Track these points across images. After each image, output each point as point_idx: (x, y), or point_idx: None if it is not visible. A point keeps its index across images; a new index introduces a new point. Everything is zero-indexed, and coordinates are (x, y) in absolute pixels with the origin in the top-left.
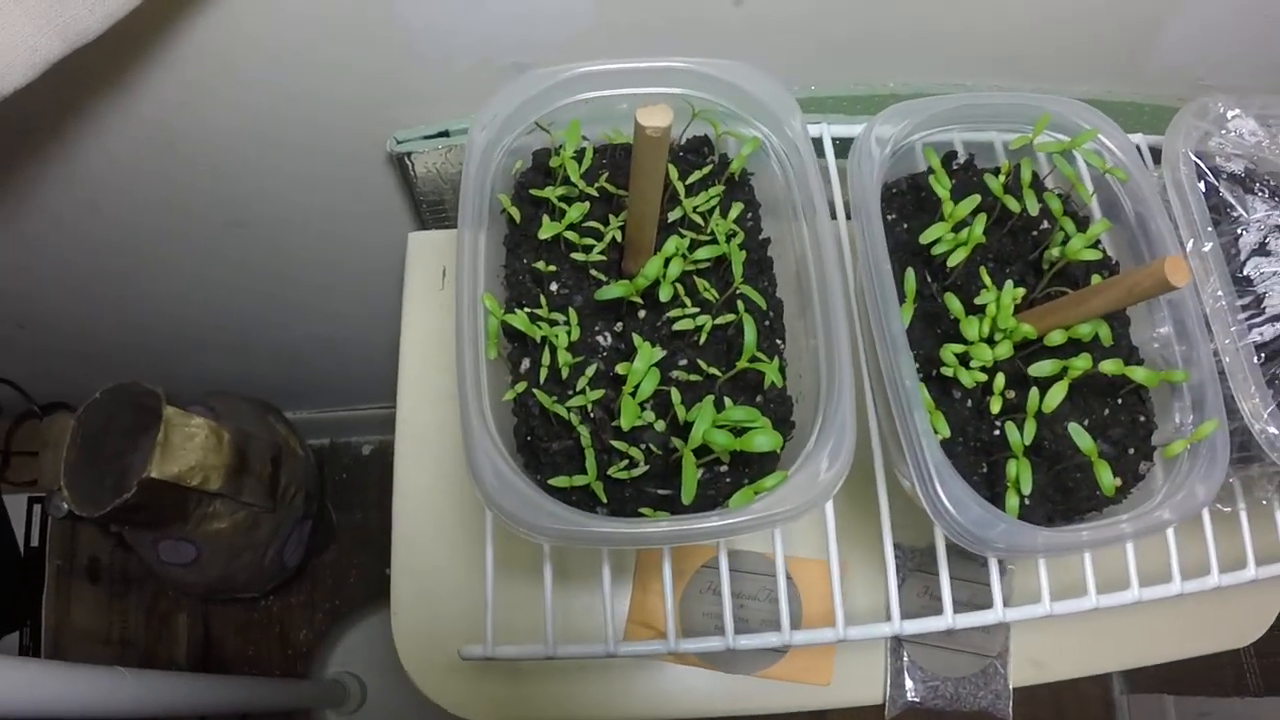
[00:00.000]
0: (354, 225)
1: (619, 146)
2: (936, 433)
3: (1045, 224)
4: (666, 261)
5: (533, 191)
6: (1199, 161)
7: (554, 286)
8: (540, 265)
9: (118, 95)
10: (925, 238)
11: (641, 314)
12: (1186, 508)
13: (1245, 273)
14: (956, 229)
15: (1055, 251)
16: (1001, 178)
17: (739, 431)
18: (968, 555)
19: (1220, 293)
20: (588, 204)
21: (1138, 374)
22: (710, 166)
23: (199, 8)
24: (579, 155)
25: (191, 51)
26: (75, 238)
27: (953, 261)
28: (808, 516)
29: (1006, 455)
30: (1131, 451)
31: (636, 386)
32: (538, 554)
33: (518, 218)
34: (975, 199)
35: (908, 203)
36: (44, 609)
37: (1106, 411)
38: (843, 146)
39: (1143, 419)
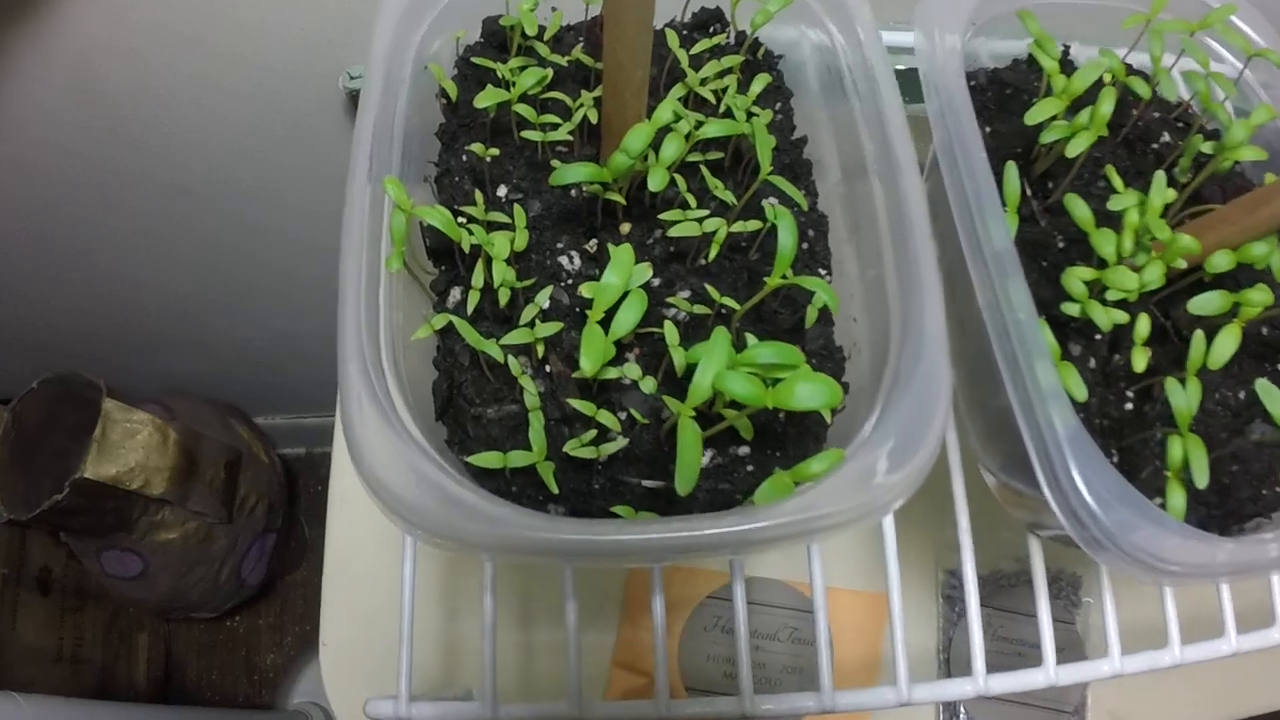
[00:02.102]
0: (314, 190)
1: (600, 19)
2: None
3: (1166, 135)
4: (660, 136)
5: (476, 61)
6: None
7: (501, 190)
8: (478, 148)
9: (24, 26)
10: (1032, 117)
11: (625, 227)
12: None
13: None
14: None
15: (1206, 148)
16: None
17: (769, 383)
18: (1026, 582)
19: None
20: (549, 71)
21: None
22: (722, 38)
23: None
24: (540, 25)
25: None
26: (6, 211)
27: (1072, 151)
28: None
29: (1150, 434)
30: None
31: (609, 313)
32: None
33: (454, 96)
34: (1099, 64)
35: (988, 102)
36: None
37: (1264, 380)
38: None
39: None
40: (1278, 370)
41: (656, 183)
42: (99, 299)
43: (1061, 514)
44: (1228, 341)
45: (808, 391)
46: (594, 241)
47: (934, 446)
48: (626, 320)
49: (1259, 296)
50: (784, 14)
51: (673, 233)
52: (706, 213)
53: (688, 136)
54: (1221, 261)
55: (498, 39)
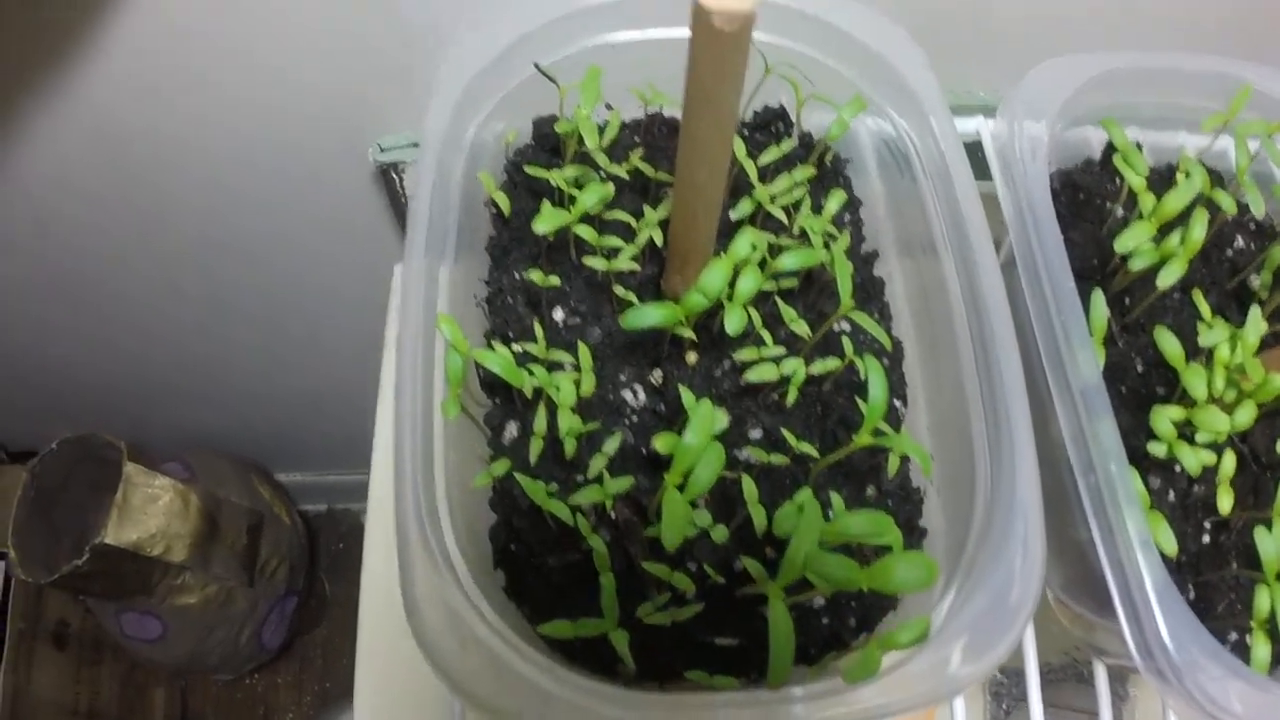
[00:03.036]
0: (337, 256)
1: (658, 117)
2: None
3: (1239, 240)
4: (736, 270)
5: (529, 170)
6: None
7: (559, 313)
8: (536, 276)
9: (54, 95)
10: (1123, 244)
11: (692, 357)
12: None
13: None
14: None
15: None
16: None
17: (860, 553)
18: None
19: None
20: (610, 187)
21: None
22: (790, 145)
23: None
24: (599, 126)
25: (130, 22)
26: (23, 258)
27: (1164, 282)
28: None
29: (1229, 573)
30: None
31: (687, 474)
32: None
33: (507, 210)
34: (1194, 186)
35: (1061, 207)
36: (2, 674)
37: None
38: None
39: None
40: None
41: (734, 325)
42: (120, 351)
43: (1137, 652)
44: None
45: (905, 575)
46: (658, 372)
47: (1012, 645)
48: (703, 479)
49: None
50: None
51: (749, 376)
52: (783, 351)
53: (762, 264)
54: None
55: (549, 142)
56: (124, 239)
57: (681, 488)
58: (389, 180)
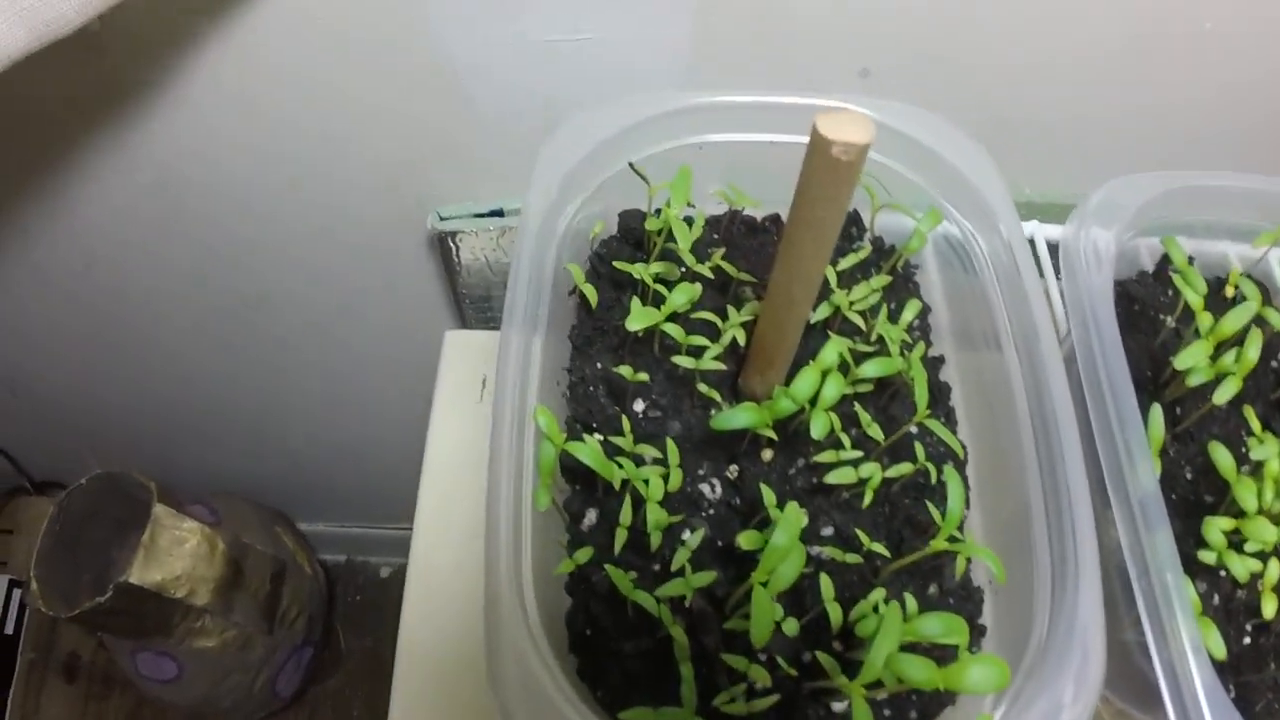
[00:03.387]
0: (382, 318)
1: (738, 215)
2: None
3: None
4: (823, 378)
5: (617, 265)
6: None
7: (639, 404)
8: (625, 371)
9: (118, 145)
10: (1182, 362)
11: (768, 455)
12: None
13: None
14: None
15: None
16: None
17: (928, 651)
18: None
19: None
20: (698, 287)
21: None
22: (866, 252)
23: (210, 32)
24: (685, 222)
25: (199, 85)
26: (66, 300)
27: (1220, 398)
28: None
29: (1268, 674)
30: None
31: (772, 571)
32: None
33: (593, 301)
34: (1249, 309)
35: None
36: (9, 703)
37: None
38: None
39: None
40: None
41: (819, 430)
42: (152, 394)
43: None
44: None
45: (979, 676)
46: (735, 467)
47: (1092, 701)
48: (787, 576)
49: None
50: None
51: (830, 478)
52: (860, 455)
53: (844, 370)
54: None
55: (634, 235)
56: (167, 289)
57: (766, 585)
58: (445, 248)
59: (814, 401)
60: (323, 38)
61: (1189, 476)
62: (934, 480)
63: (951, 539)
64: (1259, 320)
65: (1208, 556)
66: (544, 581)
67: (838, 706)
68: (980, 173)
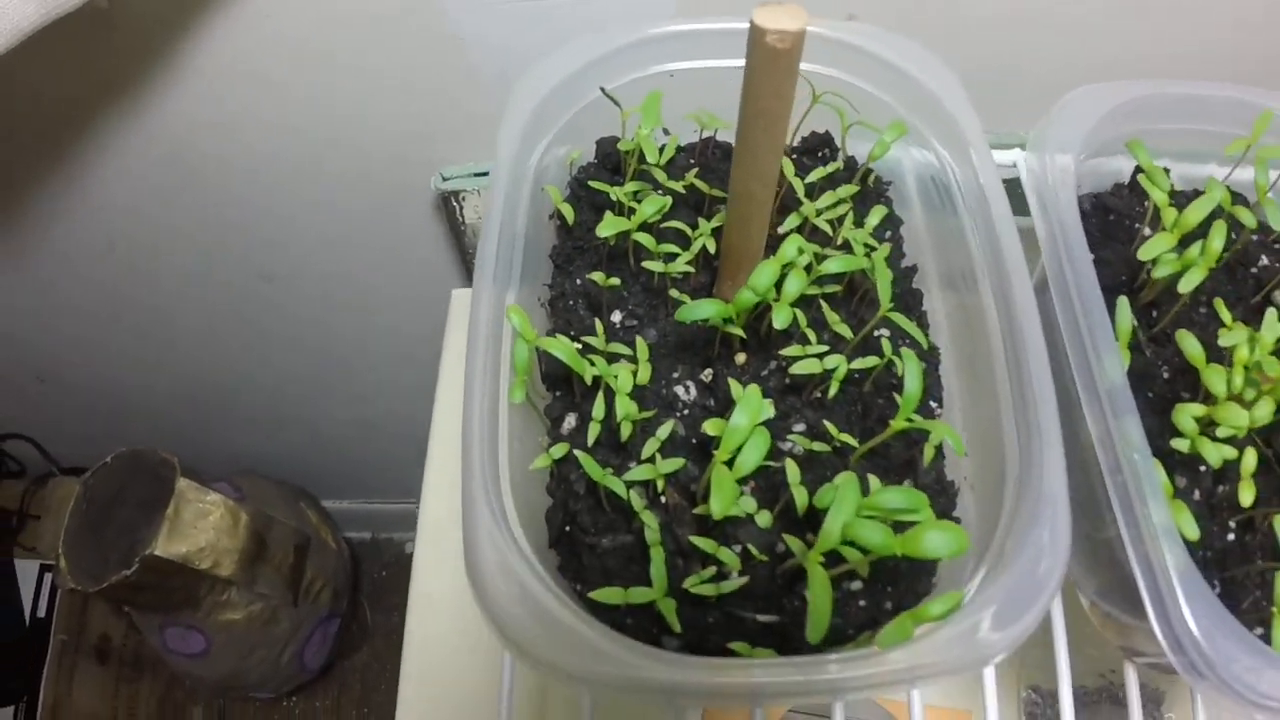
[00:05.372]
0: (396, 283)
1: (712, 140)
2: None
3: (1264, 259)
4: (783, 272)
5: (592, 184)
6: None
7: (617, 315)
8: (598, 277)
9: (132, 120)
10: (1146, 253)
11: (741, 357)
12: None
13: None
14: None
15: None
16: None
17: (896, 528)
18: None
19: None
20: (668, 199)
21: None
22: (835, 167)
23: (220, 3)
24: (659, 147)
25: (210, 57)
26: (89, 283)
27: (1185, 288)
28: None
29: (1252, 566)
30: None
31: (735, 453)
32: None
33: (571, 219)
34: (1212, 198)
35: (1092, 227)
36: (43, 685)
37: None
38: None
39: None
40: None
41: (781, 320)
42: (175, 375)
43: (1167, 645)
44: None
45: (937, 541)
46: (709, 371)
47: (1040, 614)
48: (750, 460)
49: None
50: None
51: (795, 370)
52: (826, 349)
53: (808, 269)
54: None
55: (611, 161)
56: (187, 266)
57: (730, 466)
58: (450, 209)
59: (782, 296)
60: (332, 8)
61: (1166, 375)
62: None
63: (911, 420)
64: (1234, 223)
65: (1181, 444)
66: (527, 484)
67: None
68: (954, 102)
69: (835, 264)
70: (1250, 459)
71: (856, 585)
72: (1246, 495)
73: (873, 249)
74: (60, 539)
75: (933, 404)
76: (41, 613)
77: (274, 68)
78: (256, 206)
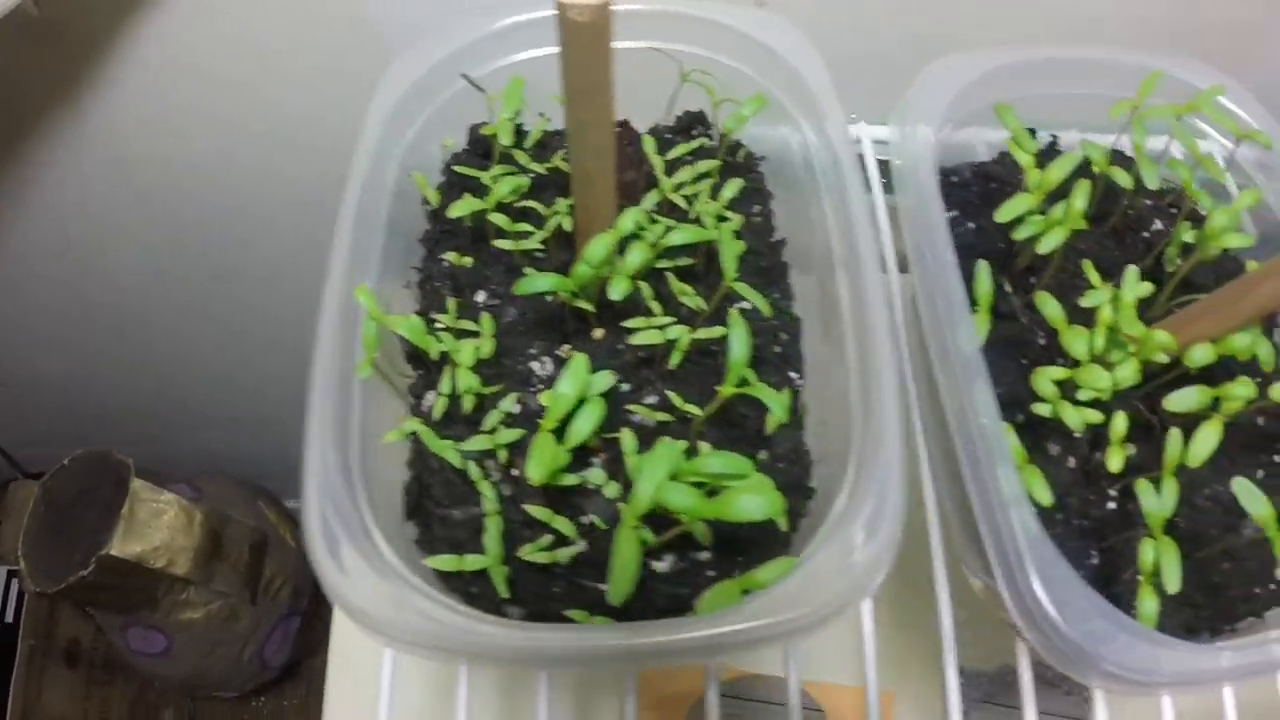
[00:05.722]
0: None
1: None
2: (1034, 499)
3: (1158, 223)
4: (624, 243)
5: (458, 169)
6: None
7: (480, 295)
8: (452, 257)
9: (72, 123)
10: (1003, 215)
11: (598, 333)
12: None
13: None
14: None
15: (1187, 237)
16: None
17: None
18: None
19: None
20: (527, 180)
21: None
22: (701, 141)
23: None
24: (523, 132)
25: (150, 54)
26: (49, 283)
27: (1044, 248)
28: (838, 626)
29: (1129, 536)
30: None
31: (562, 422)
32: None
33: (436, 203)
34: (1074, 156)
35: (972, 196)
36: (12, 690)
37: (1260, 473)
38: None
39: None
40: (1274, 462)
41: (617, 291)
42: (135, 376)
43: (1020, 618)
44: (1208, 437)
45: (749, 503)
46: (567, 347)
47: (892, 537)
48: (583, 428)
49: (1241, 390)
50: (767, 115)
51: (634, 340)
52: (671, 320)
53: (656, 245)
54: (1201, 355)
55: (482, 146)
56: (143, 266)
57: (563, 437)
58: None
59: (621, 268)
60: (269, 6)
61: (1041, 341)
62: (774, 350)
63: (743, 384)
64: (1117, 190)
65: (1042, 409)
66: (393, 460)
67: (659, 566)
68: (814, 75)
69: (679, 235)
70: (1120, 423)
71: (705, 556)
72: (1115, 460)
73: (727, 219)
74: (19, 539)
75: (792, 374)
76: (10, 617)
77: (216, 66)
78: (209, 204)
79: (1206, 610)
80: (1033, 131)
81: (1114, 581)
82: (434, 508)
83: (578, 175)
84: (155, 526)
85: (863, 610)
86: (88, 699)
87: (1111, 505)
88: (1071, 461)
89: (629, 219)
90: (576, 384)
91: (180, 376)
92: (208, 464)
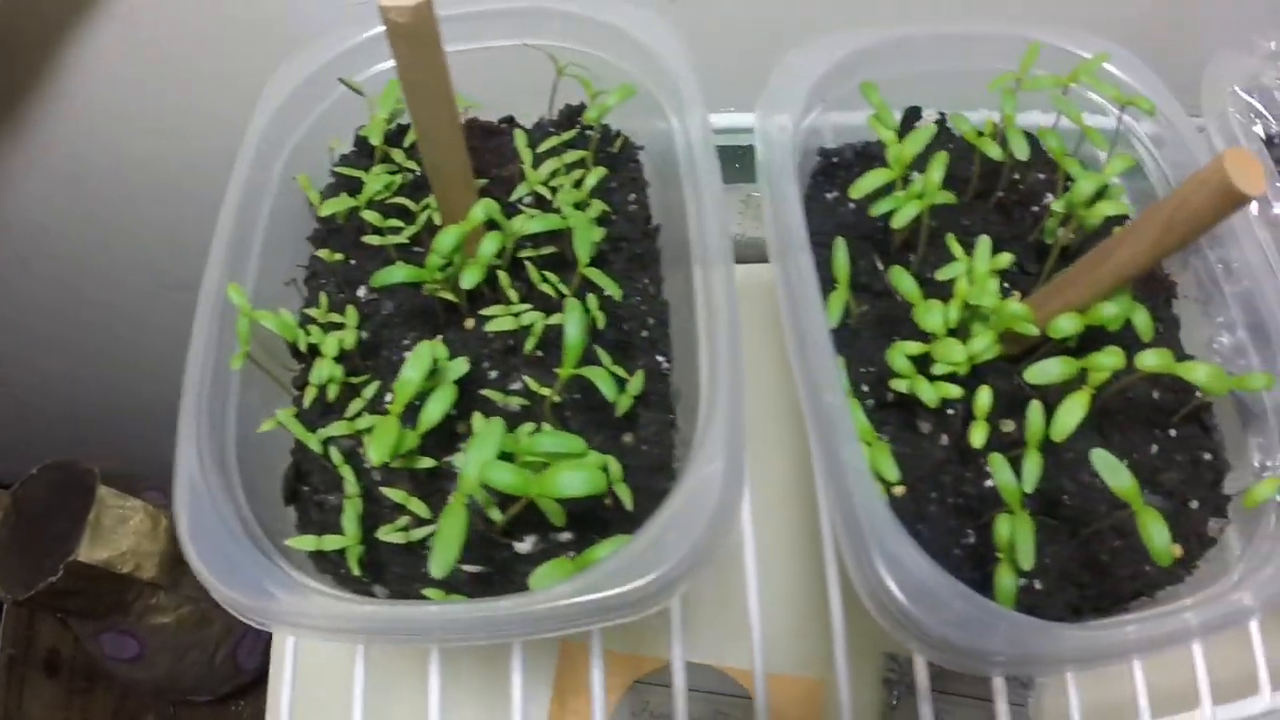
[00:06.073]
0: None
1: (474, 122)
2: (881, 478)
3: (1049, 197)
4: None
5: (339, 170)
6: (1254, 102)
7: (361, 291)
8: (324, 254)
9: (21, 139)
10: (856, 191)
11: (469, 323)
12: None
13: None
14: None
15: (1058, 206)
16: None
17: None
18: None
19: None
20: (399, 178)
21: (1195, 373)
22: (574, 132)
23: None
24: (403, 131)
25: (84, 70)
26: (12, 300)
27: (898, 223)
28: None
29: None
30: (1194, 504)
31: (411, 407)
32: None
33: (317, 203)
34: (930, 129)
35: (854, 177)
36: None
37: (1154, 448)
38: None
39: (1208, 456)
40: (1170, 435)
41: (468, 280)
42: (104, 384)
43: (871, 604)
44: (1073, 410)
45: (570, 480)
46: (440, 337)
47: (726, 511)
48: (433, 413)
49: (1107, 360)
50: (646, 106)
51: (489, 327)
52: (527, 307)
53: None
54: (1067, 325)
55: (369, 148)
56: (103, 277)
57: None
58: None
59: (477, 258)
60: (196, 20)
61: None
62: (642, 335)
63: (584, 365)
64: (1005, 165)
65: (900, 385)
66: (277, 450)
67: (521, 546)
68: (678, 68)
69: (536, 224)
70: (985, 398)
71: (566, 536)
72: (978, 436)
73: (587, 205)
74: None
75: (659, 358)
76: None
77: (148, 78)
78: (156, 218)
79: (1093, 589)
80: (917, 111)
81: (988, 560)
82: (310, 494)
83: (430, 171)
84: (121, 532)
85: (751, 601)
86: (68, 708)
87: (990, 483)
88: (944, 439)
89: (479, 210)
90: (420, 370)
91: (147, 384)
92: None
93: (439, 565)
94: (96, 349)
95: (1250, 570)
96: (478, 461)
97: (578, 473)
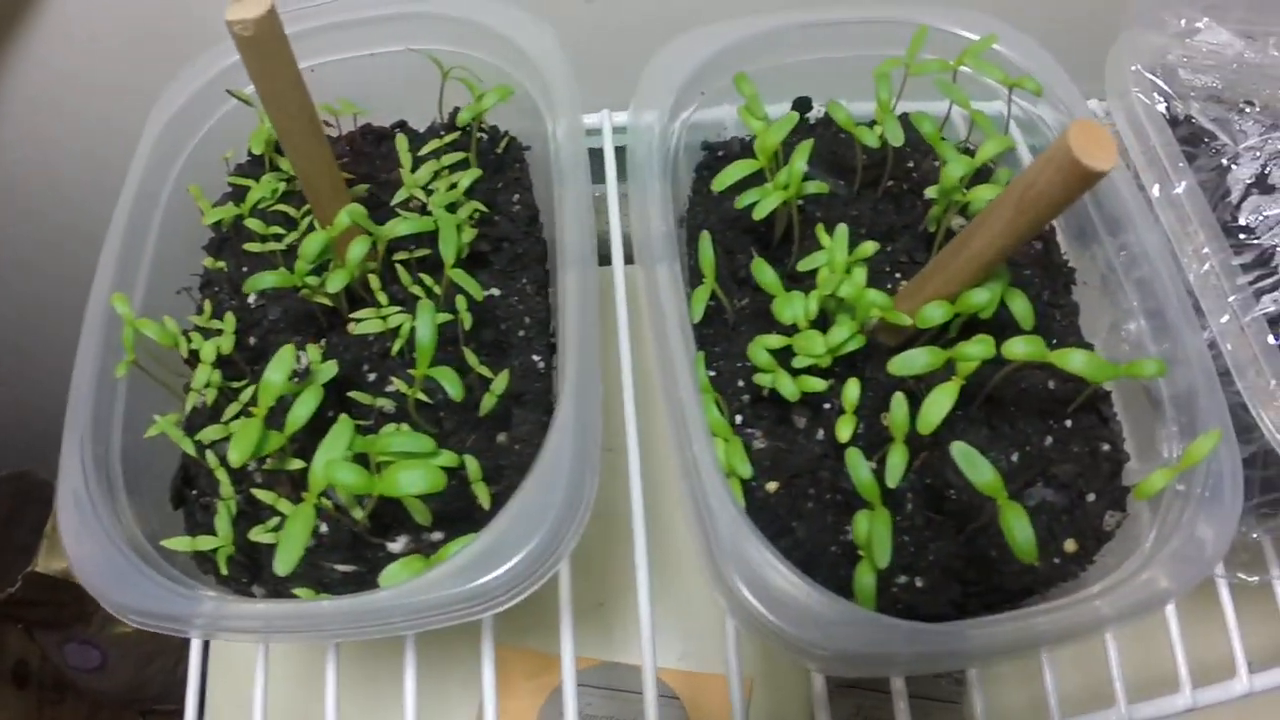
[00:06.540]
0: None
1: (367, 127)
2: (734, 474)
3: None
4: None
5: (230, 179)
6: (1158, 81)
7: (253, 298)
8: (208, 262)
9: None
10: (719, 183)
11: (352, 327)
12: (1182, 574)
13: (1241, 219)
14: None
15: (931, 193)
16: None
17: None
18: None
19: (1208, 250)
20: (284, 185)
21: (1070, 360)
22: (458, 135)
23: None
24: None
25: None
26: None
27: (759, 214)
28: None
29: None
30: (1091, 498)
31: (271, 407)
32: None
33: (206, 210)
34: (792, 118)
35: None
36: None
37: (1049, 439)
38: None
39: (1106, 447)
40: (1065, 426)
41: (333, 284)
42: (57, 395)
43: (727, 604)
44: (940, 402)
45: (408, 479)
46: (324, 340)
47: (580, 500)
48: (300, 415)
49: (975, 350)
50: (529, 108)
51: (355, 330)
52: (395, 310)
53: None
54: (935, 314)
55: (261, 157)
56: (51, 294)
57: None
58: None
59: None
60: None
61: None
62: (519, 335)
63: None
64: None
65: (763, 379)
66: (166, 457)
67: (394, 546)
68: (551, 69)
69: (404, 226)
70: (852, 390)
71: (438, 536)
72: (844, 430)
73: (460, 204)
74: None
75: (536, 358)
76: None
77: (62, 96)
78: (79, 229)
79: (978, 586)
80: (808, 101)
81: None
82: (197, 497)
83: (300, 177)
84: None
85: (642, 592)
86: (39, 719)
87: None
88: (820, 434)
89: (344, 216)
90: (282, 372)
91: None
92: None
93: (283, 562)
94: (47, 358)
95: (1152, 558)
96: (323, 460)
97: (416, 471)
